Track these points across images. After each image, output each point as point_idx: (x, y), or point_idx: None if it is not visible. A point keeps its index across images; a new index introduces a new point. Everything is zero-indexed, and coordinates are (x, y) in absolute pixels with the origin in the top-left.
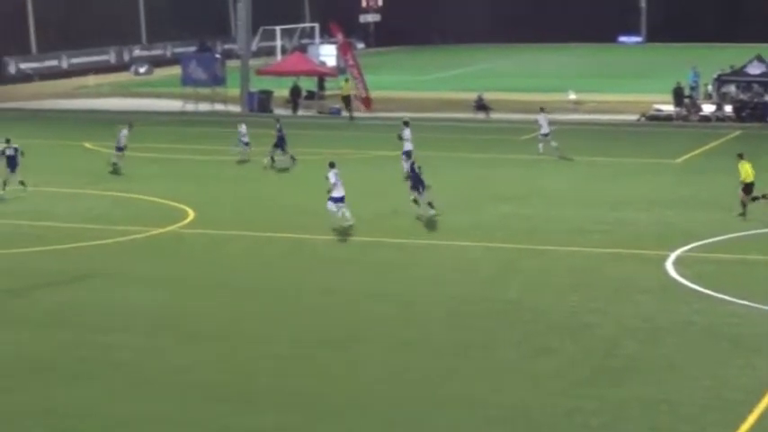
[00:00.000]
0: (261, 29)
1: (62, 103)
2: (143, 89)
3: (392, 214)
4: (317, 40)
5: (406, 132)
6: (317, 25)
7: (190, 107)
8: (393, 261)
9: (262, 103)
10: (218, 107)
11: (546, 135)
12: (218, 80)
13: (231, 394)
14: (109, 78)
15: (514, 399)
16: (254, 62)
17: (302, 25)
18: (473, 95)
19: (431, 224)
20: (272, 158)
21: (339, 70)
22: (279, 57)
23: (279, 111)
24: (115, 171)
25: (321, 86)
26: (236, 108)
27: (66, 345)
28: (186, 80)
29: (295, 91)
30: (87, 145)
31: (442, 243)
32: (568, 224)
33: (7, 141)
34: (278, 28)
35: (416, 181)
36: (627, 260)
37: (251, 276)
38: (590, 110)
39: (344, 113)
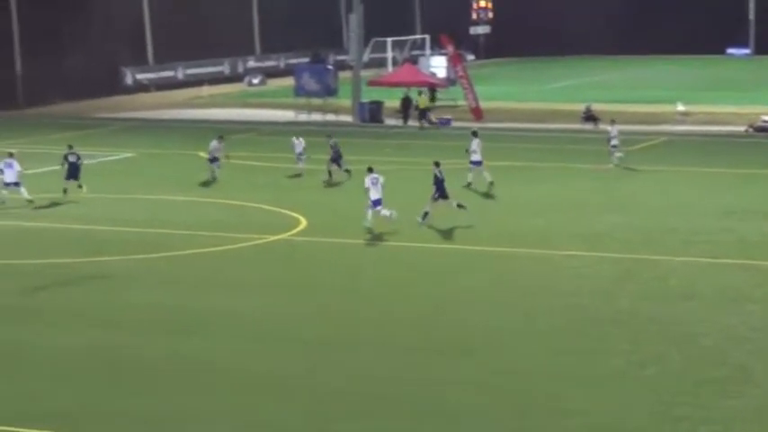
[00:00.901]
0: (372, 40)
1: (177, 113)
2: (256, 99)
3: (495, 225)
4: (428, 51)
5: (474, 143)
6: (427, 37)
7: (302, 117)
8: (507, 270)
9: (373, 113)
10: (330, 117)
11: (615, 146)
12: (330, 91)
13: (345, 400)
14: (223, 89)
15: (622, 406)
16: (365, 73)
17: (413, 37)
18: (581, 106)
19: (542, 234)
20: (330, 173)
21: (449, 81)
22: (390, 68)
23: (389, 121)
24: (207, 182)
25: (432, 97)
26: (347, 118)
27: (194, 350)
28: (299, 91)
29: (406, 102)
30: (202, 154)
31: (556, 253)
32: (677, 234)
33: (70, 147)
34: (389, 40)
35: (440, 188)
36: (735, 270)
37: (363, 283)
38: (698, 121)
39: (418, 123)
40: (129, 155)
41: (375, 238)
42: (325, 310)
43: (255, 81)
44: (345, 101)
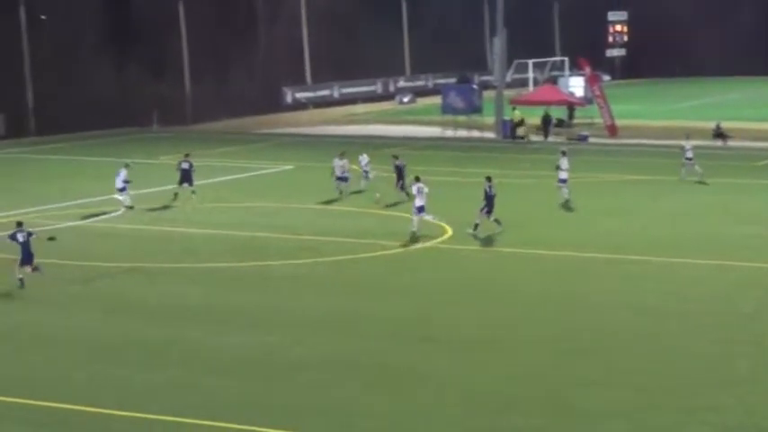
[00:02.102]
0: (515, 62)
1: (333, 129)
2: (406, 117)
3: (631, 234)
4: (567, 72)
5: (564, 162)
6: (566, 59)
7: (449, 133)
8: (635, 275)
9: (514, 130)
10: (475, 133)
11: (690, 159)
12: (475, 109)
13: (494, 396)
14: (375, 107)
15: (751, 406)
16: (508, 92)
17: (553, 59)
18: (711, 124)
19: (668, 243)
20: (405, 191)
21: (586, 100)
22: (531, 87)
23: (530, 137)
24: (340, 199)
25: (570, 115)
26: (490, 134)
27: (349, 349)
28: (446, 108)
29: (546, 119)
30: (355, 167)
31: (681, 261)
32: None
33: (186, 156)
34: (530, 61)
35: (489, 203)
36: None
37: (505, 288)
38: None
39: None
40: (288, 167)
41: (512, 245)
42: (473, 312)
43: (405, 99)
44: (489, 118)
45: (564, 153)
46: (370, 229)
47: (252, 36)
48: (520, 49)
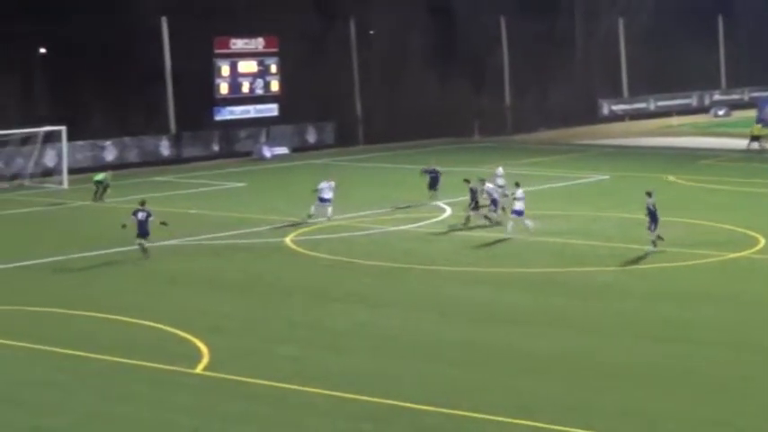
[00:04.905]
0: None
1: (647, 141)
2: (719, 129)
3: None
4: None
5: None
6: None
7: (755, 146)
8: None
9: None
10: None
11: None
12: None
13: None
14: (690, 119)
15: None
16: None
17: None
18: None
19: None
20: (489, 218)
21: None
22: None
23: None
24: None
25: None
26: None
27: (634, 351)
28: (760, 121)
29: None
30: (670, 178)
31: None
32: None
33: (429, 164)
34: None
35: (653, 218)
36: None
37: None
38: None
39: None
40: (603, 177)
41: None
42: None
43: (720, 112)
44: None
45: None
46: (682, 239)
47: (570, 50)
48: None
